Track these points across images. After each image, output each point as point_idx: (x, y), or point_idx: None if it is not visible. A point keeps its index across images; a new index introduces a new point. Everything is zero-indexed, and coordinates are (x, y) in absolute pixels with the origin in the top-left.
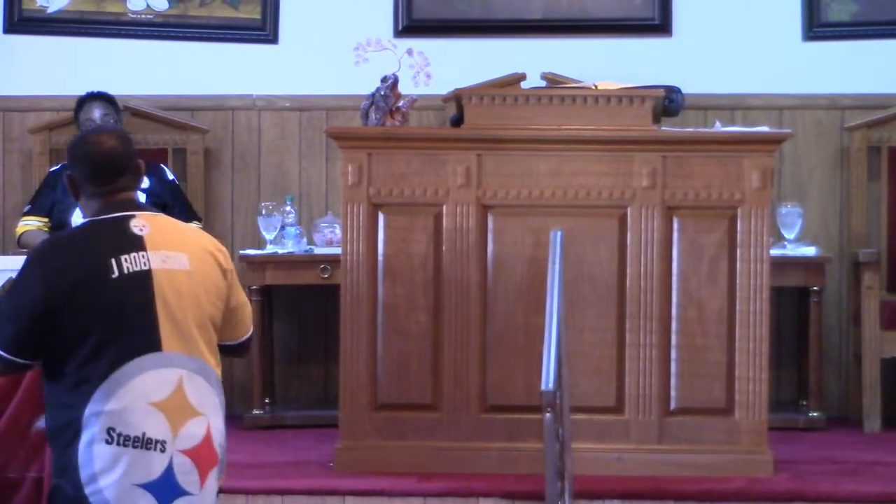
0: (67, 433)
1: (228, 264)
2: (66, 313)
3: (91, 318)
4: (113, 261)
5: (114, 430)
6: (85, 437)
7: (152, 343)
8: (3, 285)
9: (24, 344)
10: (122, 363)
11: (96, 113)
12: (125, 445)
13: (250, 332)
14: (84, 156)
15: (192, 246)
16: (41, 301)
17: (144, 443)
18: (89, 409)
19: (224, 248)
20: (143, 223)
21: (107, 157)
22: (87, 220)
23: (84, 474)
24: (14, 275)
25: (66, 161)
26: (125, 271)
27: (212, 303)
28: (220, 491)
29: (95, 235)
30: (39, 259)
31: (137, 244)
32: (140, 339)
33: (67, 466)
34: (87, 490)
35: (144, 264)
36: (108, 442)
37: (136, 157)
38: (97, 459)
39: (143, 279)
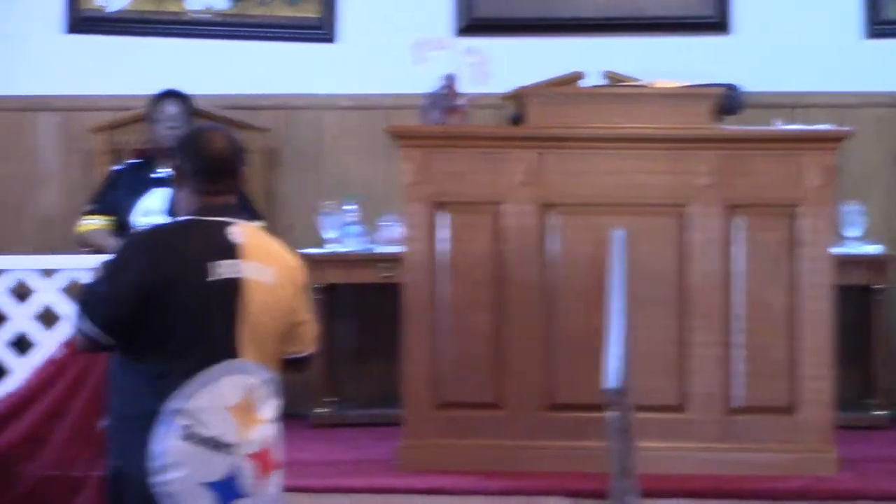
0: (140, 421)
1: (304, 283)
2: (160, 303)
3: (180, 315)
4: (211, 264)
5: (190, 428)
6: (161, 430)
7: (232, 350)
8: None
9: (117, 324)
10: (206, 365)
11: (171, 110)
12: (198, 444)
13: (311, 350)
14: (195, 151)
15: (279, 261)
16: (143, 284)
17: (215, 444)
18: (169, 405)
19: (303, 267)
20: (240, 232)
21: (217, 156)
22: (189, 217)
23: (154, 464)
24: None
25: (123, 153)
26: (220, 276)
27: (283, 318)
28: (290, 490)
29: (197, 234)
30: (144, 243)
31: (234, 252)
32: (221, 344)
33: (136, 452)
34: (155, 479)
35: (238, 273)
36: (183, 439)
37: (243, 163)
38: (170, 453)
39: (235, 287)
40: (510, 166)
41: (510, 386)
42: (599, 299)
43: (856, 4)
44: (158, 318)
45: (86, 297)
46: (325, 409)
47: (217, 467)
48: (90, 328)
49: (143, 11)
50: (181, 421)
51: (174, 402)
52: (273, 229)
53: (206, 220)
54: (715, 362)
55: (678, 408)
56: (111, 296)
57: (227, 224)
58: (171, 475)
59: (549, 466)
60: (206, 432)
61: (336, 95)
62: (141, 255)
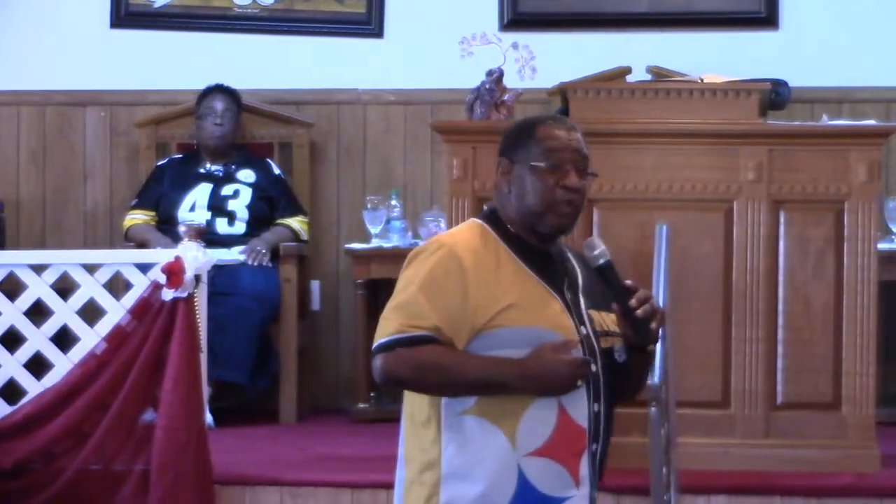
0: None
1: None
2: None
3: None
4: None
5: None
6: None
7: None
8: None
9: None
10: None
11: (218, 105)
12: None
13: (373, 346)
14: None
15: None
16: None
17: None
18: None
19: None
20: None
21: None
22: None
23: None
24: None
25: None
26: None
27: None
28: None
29: None
30: None
31: None
32: None
33: None
34: None
35: None
36: None
37: None
38: None
39: None
40: None
41: None
42: None
43: None
44: None
45: None
46: (366, 405)
47: None
48: None
49: (190, 6)
50: None
51: None
52: (317, 225)
53: None
54: (759, 358)
55: (721, 404)
56: None
57: None
58: None
59: None
60: None
61: (381, 90)
62: None
